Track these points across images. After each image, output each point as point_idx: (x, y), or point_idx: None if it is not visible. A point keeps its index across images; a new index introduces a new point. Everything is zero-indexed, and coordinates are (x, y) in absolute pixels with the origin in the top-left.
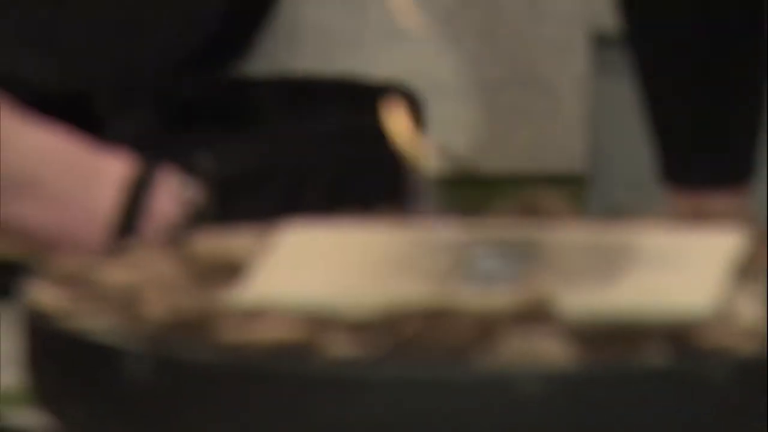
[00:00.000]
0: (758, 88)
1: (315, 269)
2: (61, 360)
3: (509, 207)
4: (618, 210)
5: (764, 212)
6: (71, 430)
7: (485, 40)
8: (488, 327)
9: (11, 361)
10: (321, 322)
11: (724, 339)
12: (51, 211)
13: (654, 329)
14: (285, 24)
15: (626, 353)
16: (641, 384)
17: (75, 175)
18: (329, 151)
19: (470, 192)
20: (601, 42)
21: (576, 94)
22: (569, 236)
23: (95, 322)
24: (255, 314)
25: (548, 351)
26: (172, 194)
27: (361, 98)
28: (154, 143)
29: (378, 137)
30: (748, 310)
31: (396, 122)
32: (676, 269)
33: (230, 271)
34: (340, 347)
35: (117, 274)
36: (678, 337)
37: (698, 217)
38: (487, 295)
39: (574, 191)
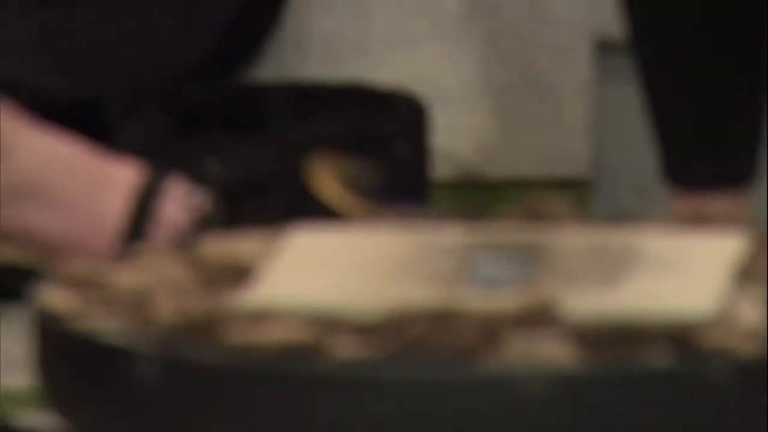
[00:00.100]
0: (759, 90)
1: (321, 272)
2: (70, 361)
3: (514, 211)
4: (621, 214)
5: (764, 214)
6: (80, 431)
7: (490, 47)
8: (492, 329)
9: (21, 363)
10: (327, 324)
11: (725, 340)
12: (60, 218)
13: (656, 331)
14: (292, 31)
15: (628, 355)
16: (643, 385)
17: (84, 181)
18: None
19: (475, 196)
20: (605, 48)
21: (580, 100)
22: (573, 240)
23: (105, 325)
24: (262, 317)
25: (552, 353)
26: (179, 201)
27: (367, 104)
28: (163, 148)
29: (384, 141)
30: (748, 312)
31: (325, 182)
32: (678, 272)
33: (238, 274)
34: (346, 349)
35: (126, 277)
36: (679, 338)
37: (700, 219)
38: (491, 298)
39: (578, 195)
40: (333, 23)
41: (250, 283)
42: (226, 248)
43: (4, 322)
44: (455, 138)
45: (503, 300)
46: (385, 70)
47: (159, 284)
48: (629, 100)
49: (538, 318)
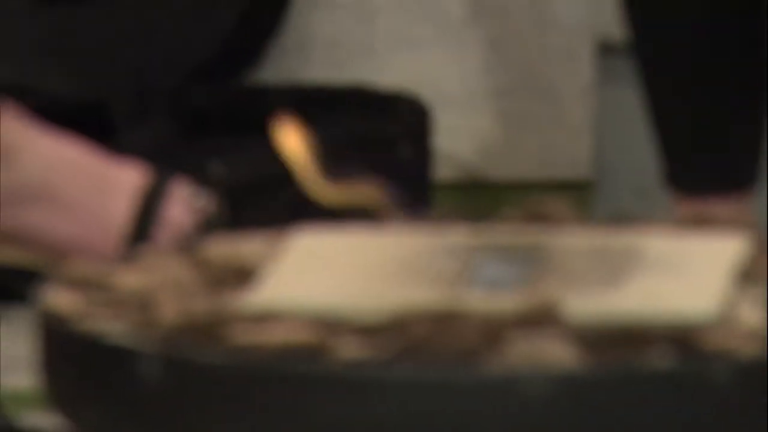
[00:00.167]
0: (759, 94)
1: (324, 274)
2: (74, 362)
3: (516, 212)
4: (623, 216)
5: (764, 218)
6: (84, 431)
7: (493, 50)
8: (495, 330)
9: (25, 364)
10: (330, 325)
11: (726, 342)
12: (64, 220)
13: (657, 332)
14: (296, 34)
15: (630, 356)
16: (645, 385)
17: (88, 184)
18: (339, 159)
19: (478, 198)
20: (606, 51)
21: (582, 102)
22: (575, 241)
23: (109, 325)
24: (266, 318)
25: (554, 354)
26: (184, 203)
27: (370, 106)
28: (167, 150)
29: (387, 143)
30: (749, 313)
31: (289, 140)
32: (680, 274)
33: (242, 275)
34: (349, 350)
35: (130, 278)
36: (681, 339)
37: (701, 222)
38: (493, 299)
39: (580, 197)
40: (336, 26)
41: (254, 285)
42: (230, 250)
43: (9, 323)
44: (458, 140)
45: (505, 301)
46: (388, 72)
47: (163, 285)
48: (630, 103)
49: (541, 319)
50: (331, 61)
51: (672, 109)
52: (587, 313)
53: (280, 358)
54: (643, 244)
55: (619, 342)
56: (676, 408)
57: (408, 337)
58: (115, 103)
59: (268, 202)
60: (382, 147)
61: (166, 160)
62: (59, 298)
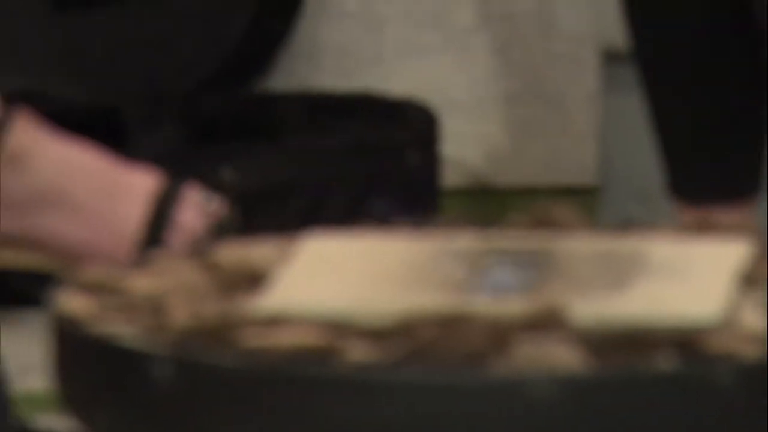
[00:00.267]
0: (761, 102)
1: (333, 278)
2: (88, 365)
3: (522, 218)
4: (628, 221)
5: (765, 224)
6: None
7: (500, 58)
8: (501, 334)
9: (39, 367)
10: (339, 329)
11: (730, 345)
12: (78, 225)
13: (662, 336)
14: (305, 42)
15: (635, 359)
16: (649, 388)
17: (102, 189)
18: (348, 165)
19: (485, 203)
20: (611, 58)
21: (587, 109)
22: (580, 246)
23: (122, 329)
24: (276, 321)
25: (560, 357)
26: (196, 208)
27: (379, 113)
28: (179, 157)
29: (396, 150)
30: (752, 317)
31: None
32: (684, 278)
33: (252, 280)
34: (358, 353)
35: (142, 282)
36: (684, 343)
37: (704, 228)
38: (500, 304)
39: (585, 202)
40: (345, 34)
41: (264, 289)
42: (241, 254)
43: (23, 326)
44: (465, 146)
45: (512, 305)
46: (396, 80)
47: (175, 290)
48: (635, 110)
49: (547, 323)
50: (340, 69)
51: (674, 117)
52: (592, 317)
53: (290, 361)
54: (648, 249)
55: (623, 345)
56: (679, 410)
57: (415, 340)
58: (127, 110)
59: (279, 207)
60: (391, 154)
61: (177, 166)
62: (72, 302)
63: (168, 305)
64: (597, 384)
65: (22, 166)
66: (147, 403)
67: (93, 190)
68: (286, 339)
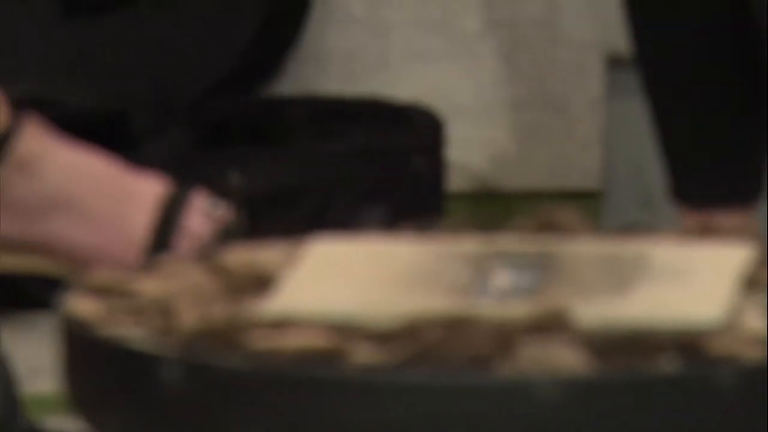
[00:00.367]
0: (762, 107)
1: (340, 282)
2: (97, 367)
3: (527, 222)
4: (631, 225)
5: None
6: None
7: (505, 64)
8: (506, 336)
9: (49, 369)
10: (346, 331)
11: (731, 347)
12: (87, 230)
13: (664, 338)
14: (312, 47)
15: (638, 361)
16: (651, 390)
17: (110, 194)
18: (355, 169)
19: (490, 207)
20: (615, 65)
21: (591, 115)
22: (584, 250)
23: (130, 331)
24: (283, 324)
25: (563, 359)
26: (203, 213)
27: (385, 118)
28: (187, 161)
29: (402, 155)
30: (753, 320)
31: None
32: (686, 281)
33: (260, 283)
34: (364, 355)
35: (151, 285)
36: (686, 345)
37: (706, 232)
38: (505, 306)
39: (589, 206)
40: (352, 40)
41: (272, 292)
42: (248, 258)
43: (33, 329)
44: (471, 151)
45: (516, 308)
46: (402, 85)
47: (183, 292)
48: (638, 115)
49: (551, 326)
50: (347, 74)
51: (675, 120)
52: (596, 319)
53: (297, 363)
54: (651, 253)
55: (627, 348)
56: (682, 411)
57: (421, 342)
58: (135, 115)
59: (285, 211)
60: (397, 158)
61: (186, 171)
62: (82, 305)
63: (176, 308)
64: (600, 386)
65: (31, 172)
66: (156, 404)
67: (101, 196)
68: (293, 341)
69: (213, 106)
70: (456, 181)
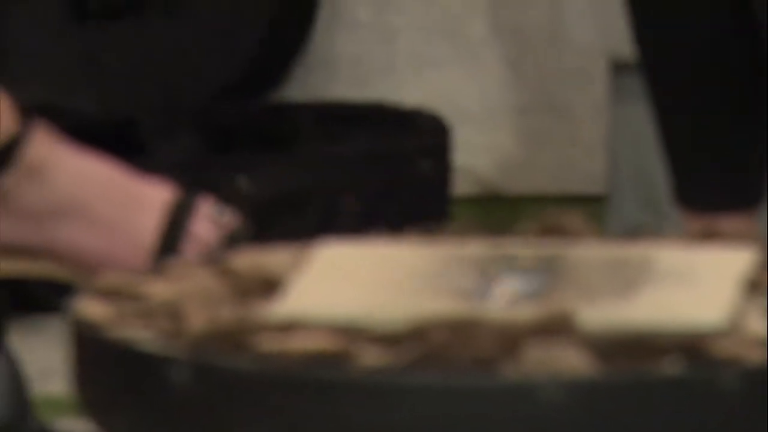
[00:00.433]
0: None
1: (347, 285)
2: (106, 369)
3: (532, 226)
4: (635, 229)
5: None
6: None
7: (510, 69)
8: (511, 339)
9: (59, 372)
10: (353, 334)
11: (734, 350)
12: (95, 235)
13: (668, 341)
14: (319, 53)
15: (641, 363)
16: (655, 391)
17: (119, 201)
18: (362, 173)
19: (496, 211)
20: (618, 70)
21: (595, 120)
22: (589, 254)
23: (139, 333)
24: (291, 327)
25: (568, 361)
26: (210, 219)
27: (392, 123)
28: (196, 166)
29: (409, 159)
30: (756, 322)
31: None
32: (690, 285)
33: (268, 286)
34: (371, 357)
35: (160, 288)
36: (690, 348)
37: (709, 236)
38: (510, 309)
39: (593, 210)
40: (359, 46)
41: (279, 295)
42: (256, 261)
43: (43, 332)
44: (476, 155)
45: (522, 311)
46: (409, 91)
47: (191, 295)
48: (642, 120)
49: (556, 328)
50: (354, 80)
51: (678, 126)
52: (600, 322)
53: (305, 365)
54: (655, 256)
55: (631, 350)
56: (685, 413)
57: (427, 345)
58: (145, 120)
59: (293, 214)
60: (404, 162)
61: (194, 175)
62: (91, 308)
63: (185, 311)
64: (604, 388)
65: (40, 178)
66: (165, 406)
67: (109, 202)
68: (300, 344)
69: (221, 111)
70: (461, 186)
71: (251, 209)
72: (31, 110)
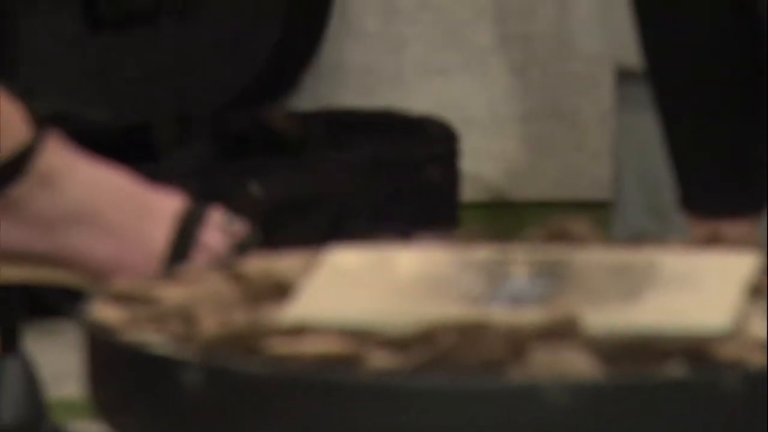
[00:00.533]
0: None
1: (357, 290)
2: (120, 372)
3: (539, 232)
4: (640, 235)
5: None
6: None
7: (517, 77)
8: (518, 342)
9: (73, 375)
10: (363, 337)
11: (737, 353)
12: (107, 243)
13: (672, 345)
14: (329, 62)
15: (646, 367)
16: (659, 394)
17: (130, 209)
18: (371, 180)
19: (503, 217)
20: (624, 78)
21: (601, 127)
22: (594, 259)
23: (152, 337)
24: (302, 330)
25: (574, 364)
26: (220, 228)
27: (400, 130)
28: (208, 172)
29: (417, 166)
30: (759, 326)
31: None
32: (694, 289)
33: (279, 291)
34: (381, 360)
35: (172, 292)
36: (693, 351)
37: (713, 242)
38: (517, 313)
39: (599, 216)
40: (367, 55)
41: (290, 299)
42: (267, 266)
43: (58, 336)
44: (484, 162)
45: (529, 315)
46: (417, 98)
47: (204, 299)
48: (648, 127)
49: (562, 332)
50: (363, 88)
51: (684, 132)
52: (606, 326)
53: (315, 368)
54: (659, 261)
55: (635, 354)
56: (688, 416)
57: (436, 348)
58: (158, 127)
59: (304, 220)
60: (412, 169)
61: (207, 181)
62: (105, 312)
63: (197, 315)
64: (609, 390)
65: (53, 187)
66: (177, 409)
67: (121, 211)
68: (311, 347)
69: (233, 119)
70: (469, 192)
71: (262, 214)
72: (43, 119)
